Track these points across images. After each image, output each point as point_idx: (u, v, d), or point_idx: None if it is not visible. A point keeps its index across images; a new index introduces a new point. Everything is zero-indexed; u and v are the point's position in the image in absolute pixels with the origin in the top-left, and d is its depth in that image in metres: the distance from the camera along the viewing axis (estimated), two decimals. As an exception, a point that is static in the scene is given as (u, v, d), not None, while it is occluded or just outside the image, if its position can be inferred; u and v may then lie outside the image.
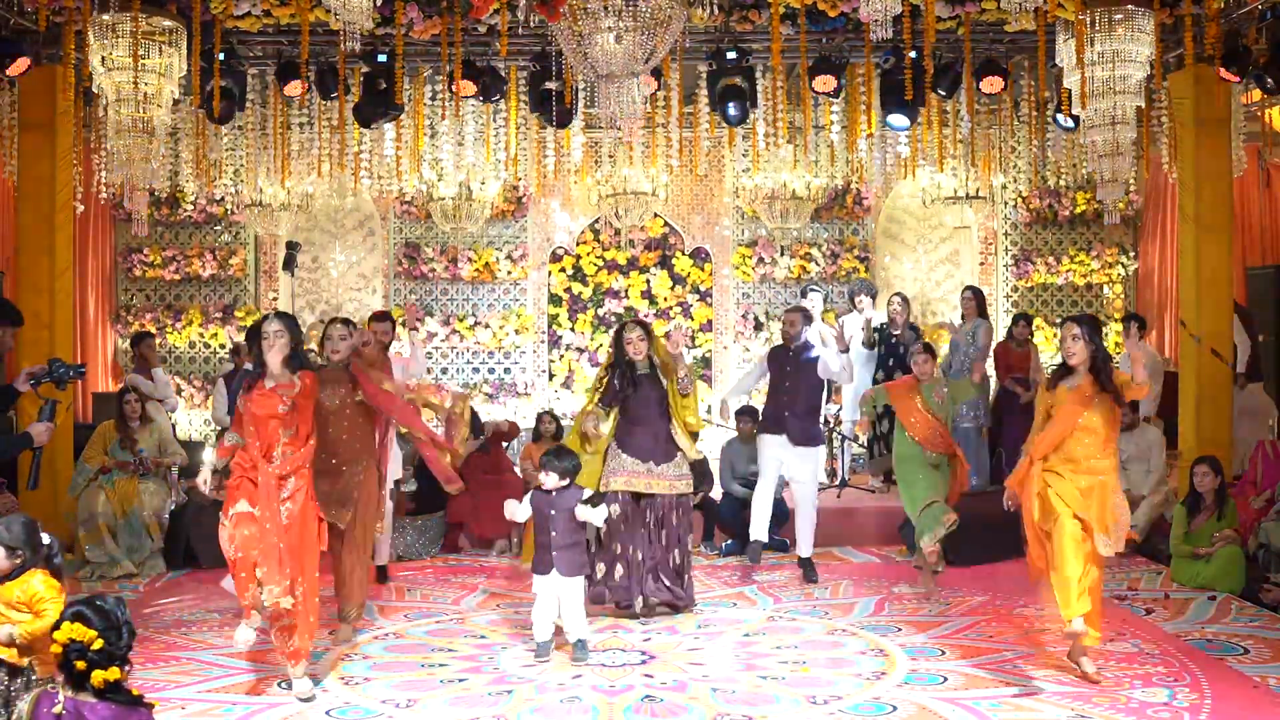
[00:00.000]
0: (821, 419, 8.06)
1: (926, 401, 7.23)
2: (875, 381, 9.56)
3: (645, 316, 11.72)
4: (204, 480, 5.56)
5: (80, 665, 3.29)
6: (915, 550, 7.53)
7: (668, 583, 6.75)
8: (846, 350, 7.87)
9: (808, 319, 7.95)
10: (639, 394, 6.77)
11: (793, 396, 7.71)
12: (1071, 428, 5.45)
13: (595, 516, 6.13)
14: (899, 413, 7.34)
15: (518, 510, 6.11)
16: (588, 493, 6.22)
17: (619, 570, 6.70)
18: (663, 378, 6.80)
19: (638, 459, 6.73)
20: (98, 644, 3.31)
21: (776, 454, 7.74)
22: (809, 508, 7.79)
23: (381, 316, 7.69)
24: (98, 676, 3.29)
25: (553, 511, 6.03)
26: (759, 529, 7.76)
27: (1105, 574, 5.60)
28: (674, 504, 6.77)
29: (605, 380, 6.89)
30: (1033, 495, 5.54)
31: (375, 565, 7.29)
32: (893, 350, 9.58)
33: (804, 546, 7.80)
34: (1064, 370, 5.59)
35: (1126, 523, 5.56)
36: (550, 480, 6.06)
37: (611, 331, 8.03)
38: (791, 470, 7.75)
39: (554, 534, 5.99)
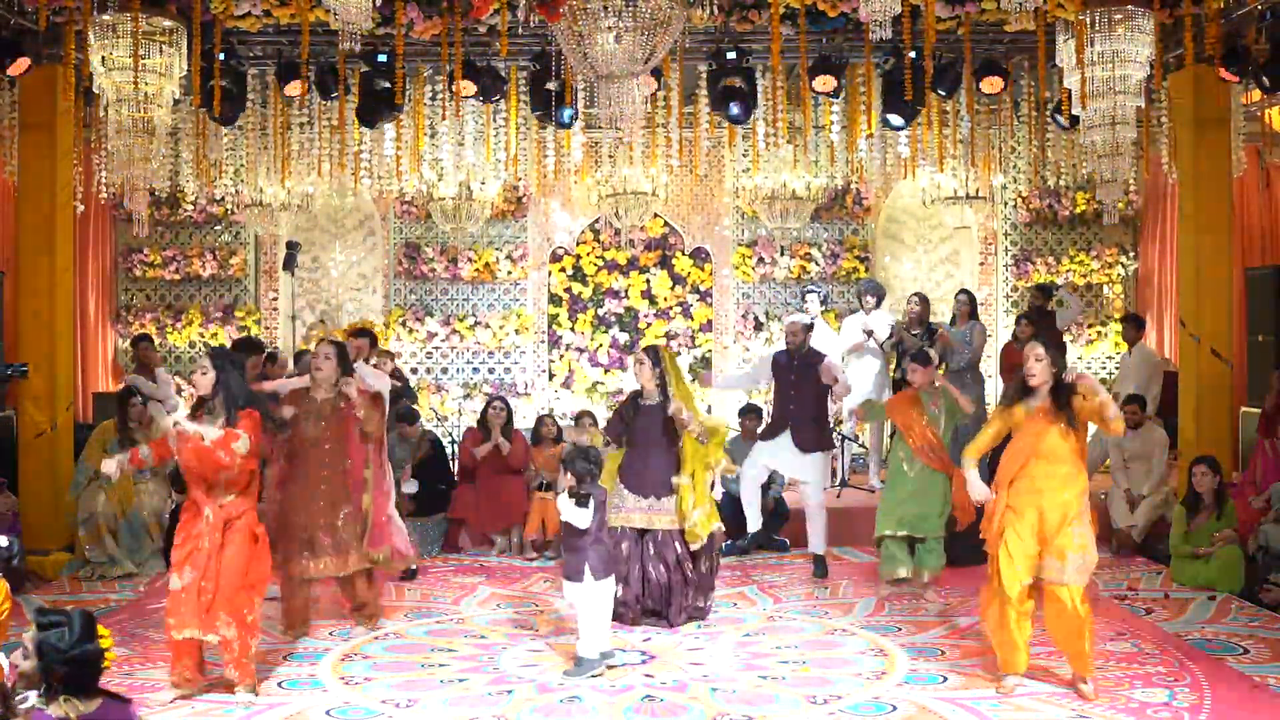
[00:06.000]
0: (830, 421, 8.09)
1: (924, 412, 7.09)
2: (894, 381, 9.57)
3: (645, 316, 11.71)
4: (110, 472, 5.34)
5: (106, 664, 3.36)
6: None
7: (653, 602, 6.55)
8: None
9: (809, 329, 8.00)
10: (642, 422, 6.61)
11: (798, 404, 7.79)
12: (1033, 450, 5.28)
13: (578, 517, 5.64)
14: (900, 424, 7.18)
15: (577, 515, 5.66)
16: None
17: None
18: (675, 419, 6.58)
19: (639, 495, 6.58)
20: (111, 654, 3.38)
21: (766, 458, 7.84)
22: (819, 511, 7.83)
23: (360, 333, 7.77)
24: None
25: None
26: (753, 521, 7.91)
27: (1107, 574, 5.56)
28: (676, 535, 6.56)
29: (616, 409, 6.87)
30: (997, 539, 5.36)
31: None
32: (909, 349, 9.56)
33: (816, 545, 7.86)
34: (1023, 390, 5.38)
35: (1091, 560, 5.29)
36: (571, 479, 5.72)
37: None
38: (799, 474, 7.84)
39: (586, 533, 5.67)
